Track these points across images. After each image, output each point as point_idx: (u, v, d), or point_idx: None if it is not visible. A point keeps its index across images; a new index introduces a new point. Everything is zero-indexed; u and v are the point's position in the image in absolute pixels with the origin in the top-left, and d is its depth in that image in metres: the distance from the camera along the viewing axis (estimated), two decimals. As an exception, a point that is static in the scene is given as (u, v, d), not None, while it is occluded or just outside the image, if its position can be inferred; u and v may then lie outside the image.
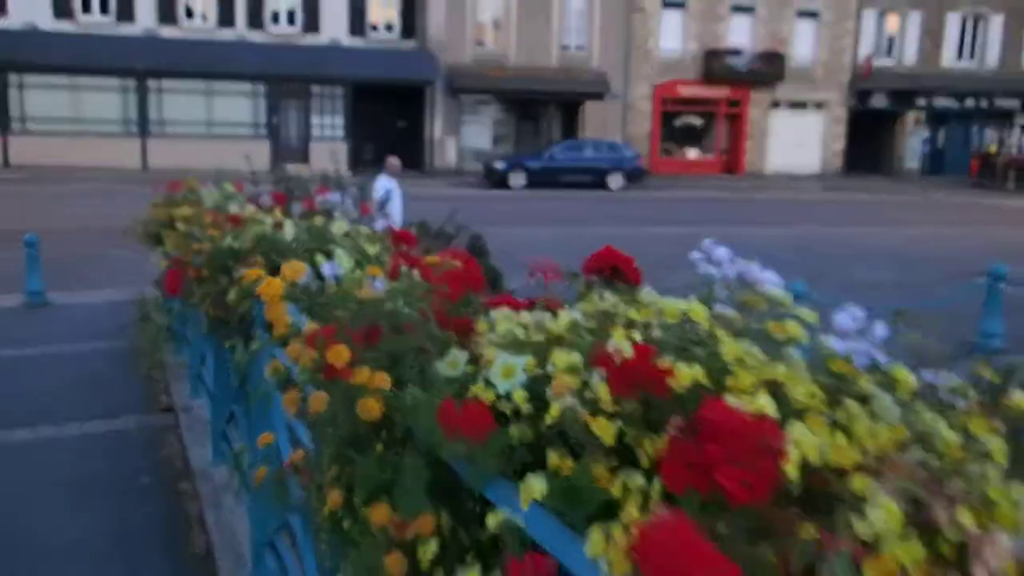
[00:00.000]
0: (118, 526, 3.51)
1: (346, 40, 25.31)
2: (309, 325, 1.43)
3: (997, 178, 27.92)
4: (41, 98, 22.71)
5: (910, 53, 30.00)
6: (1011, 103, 30.69)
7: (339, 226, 2.56)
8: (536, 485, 0.96)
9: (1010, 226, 17.38)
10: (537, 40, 26.22)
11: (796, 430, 0.86)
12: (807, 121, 29.72)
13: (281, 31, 24.98)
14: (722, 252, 1.16)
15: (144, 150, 23.27)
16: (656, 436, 0.95)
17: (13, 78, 22.48)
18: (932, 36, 29.92)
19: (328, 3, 25.04)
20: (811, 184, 26.95)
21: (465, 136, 26.68)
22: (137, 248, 5.77)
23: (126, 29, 23.67)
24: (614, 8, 26.75)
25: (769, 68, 28.22)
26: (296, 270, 1.70)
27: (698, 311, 1.08)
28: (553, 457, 1.02)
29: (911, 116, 30.76)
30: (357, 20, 25.46)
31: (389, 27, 26.12)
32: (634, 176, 23.59)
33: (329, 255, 2.00)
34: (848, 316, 1.01)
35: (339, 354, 1.22)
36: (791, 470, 0.82)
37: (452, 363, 1.20)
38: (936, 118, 30.98)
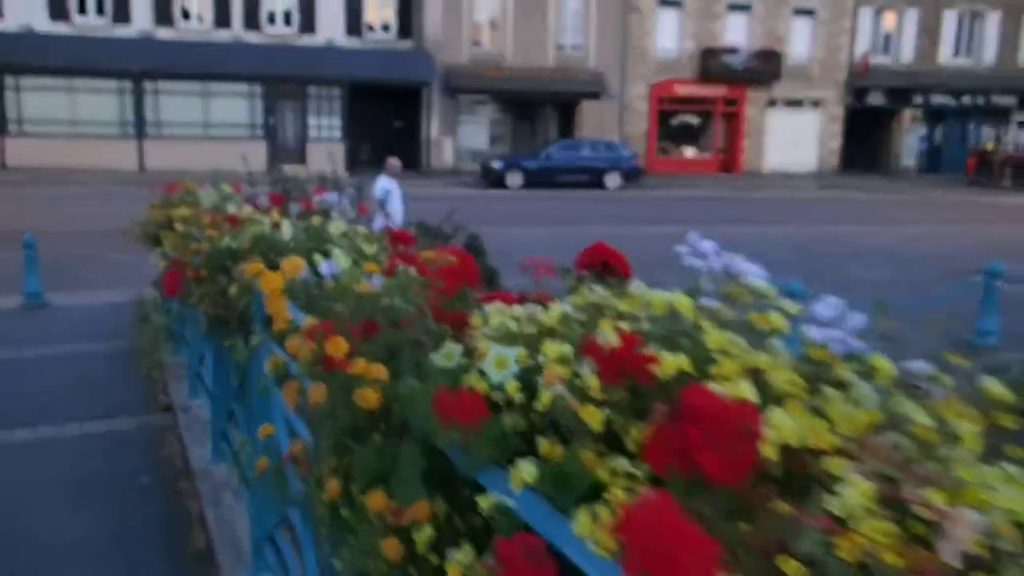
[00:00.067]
0: (118, 525, 3.54)
1: (342, 40, 25.33)
2: (308, 320, 1.47)
3: (994, 176, 28.01)
4: (37, 100, 22.72)
5: (907, 51, 30.08)
6: (1008, 100, 30.77)
7: (336, 226, 2.59)
8: (527, 468, 1.00)
9: (1007, 224, 17.45)
10: (533, 40, 26.26)
11: (775, 415, 0.90)
12: (804, 119, 29.79)
13: (277, 32, 24.99)
14: (707, 245, 1.20)
15: (141, 152, 23.28)
16: (643, 423, 0.99)
17: (9, 80, 22.48)
18: (929, 33, 30.00)
19: (324, 4, 25.06)
20: (808, 182, 27.02)
21: (462, 136, 26.72)
22: (135, 250, 5.80)
23: (122, 31, 23.67)
24: (610, 8, 26.80)
25: (766, 66, 28.28)
26: (295, 265, 1.73)
27: (683, 303, 1.12)
28: (544, 444, 1.05)
29: (908, 114, 30.85)
30: (353, 20, 25.49)
31: (385, 27, 26.14)
32: (631, 175, 23.65)
33: (327, 254, 2.03)
34: (826, 306, 1.05)
35: (338, 345, 1.25)
36: (769, 452, 0.86)
37: (447, 355, 1.24)
38: (933, 116, 31.06)
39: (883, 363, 1.08)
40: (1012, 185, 26.89)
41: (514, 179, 22.58)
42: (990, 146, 30.54)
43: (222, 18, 24.49)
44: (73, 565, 3.21)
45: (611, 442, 1.03)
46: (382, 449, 1.23)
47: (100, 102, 23.13)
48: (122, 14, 23.76)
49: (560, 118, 27.99)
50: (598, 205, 19.26)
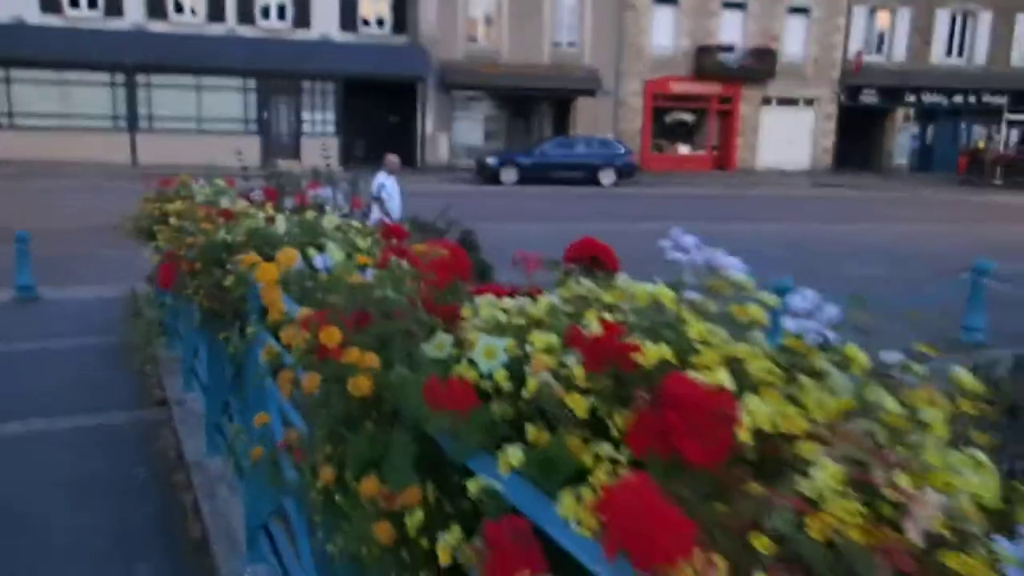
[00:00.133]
0: (115, 519, 3.55)
1: (337, 35, 25.28)
2: (303, 310, 1.50)
3: (985, 174, 28.19)
4: (29, 93, 22.59)
5: (900, 50, 30.22)
6: (999, 100, 30.96)
7: (330, 220, 2.63)
8: (514, 454, 1.04)
9: (998, 222, 17.58)
10: (529, 37, 26.27)
11: (751, 401, 0.94)
12: (798, 117, 29.91)
13: (271, 26, 24.91)
14: (689, 240, 1.24)
15: (133, 145, 23.19)
16: (626, 410, 1.03)
17: (0, 73, 22.35)
18: (922, 33, 30.15)
19: (319, -2, 25.02)
20: (801, 180, 27.15)
21: (457, 132, 26.71)
22: (126, 245, 5.81)
23: (114, 24, 23.56)
24: (606, 5, 26.82)
25: (760, 65, 28.37)
26: (290, 256, 1.76)
27: (666, 295, 1.16)
28: (532, 431, 1.09)
29: (900, 112, 31.01)
30: (348, 15, 25.44)
31: (380, 22, 26.10)
32: (626, 172, 23.70)
33: (321, 248, 2.07)
34: (801, 298, 1.09)
35: (331, 335, 1.29)
36: (745, 437, 0.90)
37: (438, 346, 1.28)
38: (925, 114, 31.24)
39: (857, 354, 1.12)
40: (1003, 184, 27.07)
41: (509, 175, 22.60)
42: (981, 145, 30.72)
43: (215, 12, 24.40)
44: (73, 562, 3.18)
45: (596, 429, 1.07)
46: (374, 437, 1.27)
47: (92, 95, 23.01)
48: (114, 7, 23.64)
49: (555, 115, 28.02)
50: (592, 201, 19.30)
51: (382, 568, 1.22)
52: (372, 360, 1.26)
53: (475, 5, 25.98)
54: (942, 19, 30.34)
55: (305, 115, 24.64)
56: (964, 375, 1.11)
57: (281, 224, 2.75)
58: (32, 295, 7.69)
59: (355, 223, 2.75)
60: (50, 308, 7.54)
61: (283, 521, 2.29)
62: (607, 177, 23.41)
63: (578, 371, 1.07)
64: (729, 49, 27.98)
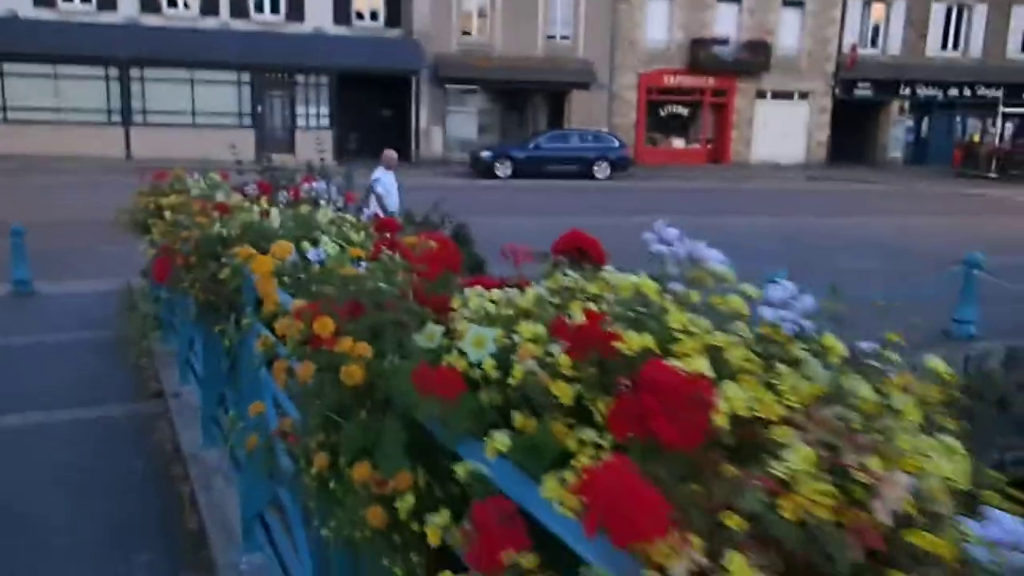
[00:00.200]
0: (112, 511, 3.58)
1: (331, 29, 25.18)
2: (297, 302, 1.53)
3: (980, 167, 28.28)
4: (22, 87, 22.47)
5: (894, 43, 30.24)
6: (994, 93, 30.99)
7: (324, 214, 2.65)
8: (501, 439, 1.08)
9: (992, 215, 17.66)
10: (523, 30, 26.21)
11: (729, 388, 0.98)
12: (792, 111, 29.92)
13: (265, 19, 24.81)
14: (672, 232, 1.27)
15: (127, 139, 23.10)
16: (610, 397, 1.06)
17: (-7, 67, 22.25)
18: (916, 26, 30.16)
19: (312, -9, 24.91)
20: (796, 173, 27.19)
21: (451, 126, 26.67)
22: (123, 240, 5.81)
23: (108, 17, 23.42)
24: (600, -2, 26.77)
25: (755, 58, 28.36)
26: (284, 249, 1.79)
27: (648, 286, 1.20)
28: (518, 418, 1.13)
29: (895, 105, 31.04)
30: (341, 9, 25.34)
31: (374, 15, 26.01)
32: (620, 166, 23.72)
33: (315, 242, 2.09)
34: (778, 289, 1.13)
35: (325, 325, 1.32)
36: (721, 421, 0.94)
37: (429, 336, 1.31)
38: (920, 108, 31.27)
39: (834, 343, 1.15)
40: (998, 177, 27.16)
41: (503, 169, 22.60)
42: (976, 138, 30.81)
43: (209, 5, 24.29)
44: (72, 562, 3.18)
45: (581, 416, 1.11)
46: (367, 424, 1.30)
47: (86, 89, 22.91)
48: (107, 0, 23.51)
49: (549, 108, 27.99)
50: (586, 195, 19.32)
51: (375, 551, 1.25)
52: (364, 349, 1.30)
53: (469, -2, 25.93)
54: (937, 12, 30.36)
55: (299, 109, 24.57)
56: (939, 364, 1.15)
57: (276, 218, 2.78)
58: (28, 289, 7.70)
59: (349, 217, 2.78)
60: (46, 302, 7.55)
61: (278, 511, 2.33)
62: (601, 171, 23.42)
63: (563, 359, 1.10)
64: (723, 42, 27.97)
